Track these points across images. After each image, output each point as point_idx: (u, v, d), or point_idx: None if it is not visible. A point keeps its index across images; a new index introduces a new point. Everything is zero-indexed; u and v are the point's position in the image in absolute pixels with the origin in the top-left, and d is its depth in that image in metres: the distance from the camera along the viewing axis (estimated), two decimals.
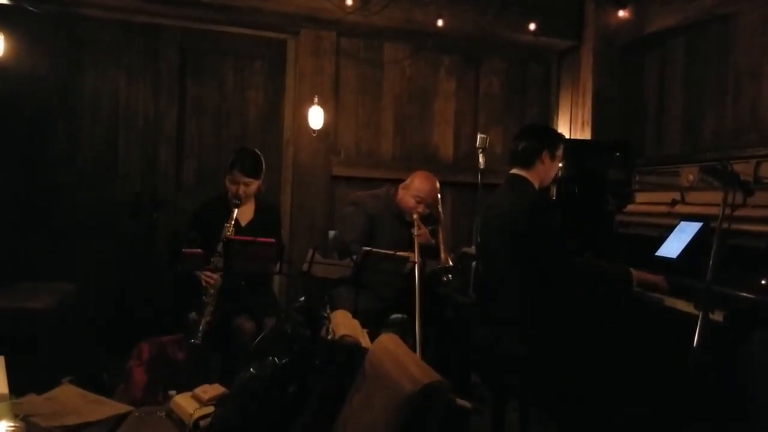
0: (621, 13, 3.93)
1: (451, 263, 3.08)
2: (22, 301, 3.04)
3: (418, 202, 3.07)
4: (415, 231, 2.96)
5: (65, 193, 3.73)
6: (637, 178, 3.27)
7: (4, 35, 3.12)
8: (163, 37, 3.90)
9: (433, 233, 3.10)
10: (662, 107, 3.91)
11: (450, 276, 3.02)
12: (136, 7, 3.70)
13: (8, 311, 2.94)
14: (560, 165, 2.65)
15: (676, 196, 2.86)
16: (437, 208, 3.18)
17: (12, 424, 1.69)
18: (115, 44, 3.82)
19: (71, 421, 1.95)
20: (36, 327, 2.95)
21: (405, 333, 3.00)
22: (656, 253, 2.60)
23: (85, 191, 3.77)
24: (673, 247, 2.55)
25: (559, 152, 2.56)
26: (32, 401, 2.09)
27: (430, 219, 3.18)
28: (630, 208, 3.20)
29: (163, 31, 3.89)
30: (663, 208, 2.90)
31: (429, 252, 3.01)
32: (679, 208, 2.81)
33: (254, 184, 2.98)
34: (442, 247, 3.04)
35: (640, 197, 3.20)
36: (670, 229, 2.66)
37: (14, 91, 3.58)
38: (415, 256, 2.82)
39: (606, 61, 4.13)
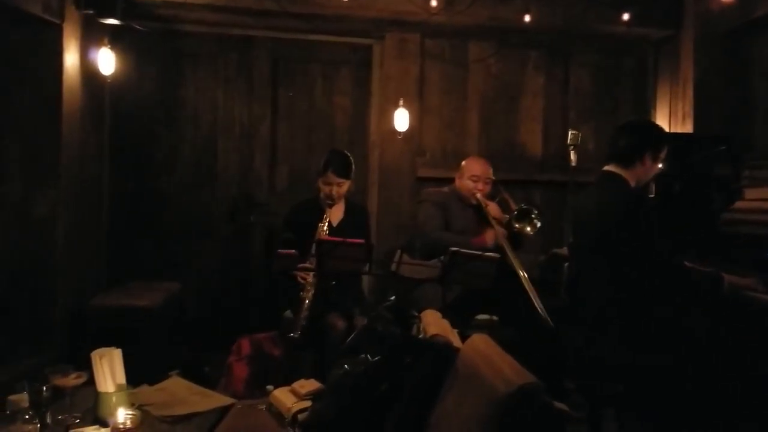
0: None
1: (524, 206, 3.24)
2: (133, 299, 3.33)
3: (475, 181, 3.29)
4: (485, 206, 3.21)
5: (169, 199, 4.00)
6: (747, 173, 3.04)
7: (116, 53, 3.38)
8: (255, 48, 4.08)
9: (501, 203, 3.34)
10: None
11: (536, 212, 3.18)
12: (230, 21, 3.90)
13: (120, 308, 3.24)
14: (660, 166, 2.50)
15: None
16: (493, 181, 3.39)
17: (130, 412, 1.84)
18: (212, 57, 4.05)
19: (180, 411, 2.08)
20: (143, 323, 3.20)
21: (493, 334, 2.98)
22: None
23: (187, 197, 4.02)
24: None
25: (662, 154, 2.41)
26: (145, 392, 2.25)
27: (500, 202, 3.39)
28: (738, 205, 2.98)
29: (255, 42, 4.08)
30: None
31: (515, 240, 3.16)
32: None
33: (346, 185, 3.09)
34: (510, 200, 3.33)
35: (749, 193, 2.97)
36: None
37: (125, 104, 3.90)
38: (496, 231, 3.09)
39: (708, 49, 3.86)
